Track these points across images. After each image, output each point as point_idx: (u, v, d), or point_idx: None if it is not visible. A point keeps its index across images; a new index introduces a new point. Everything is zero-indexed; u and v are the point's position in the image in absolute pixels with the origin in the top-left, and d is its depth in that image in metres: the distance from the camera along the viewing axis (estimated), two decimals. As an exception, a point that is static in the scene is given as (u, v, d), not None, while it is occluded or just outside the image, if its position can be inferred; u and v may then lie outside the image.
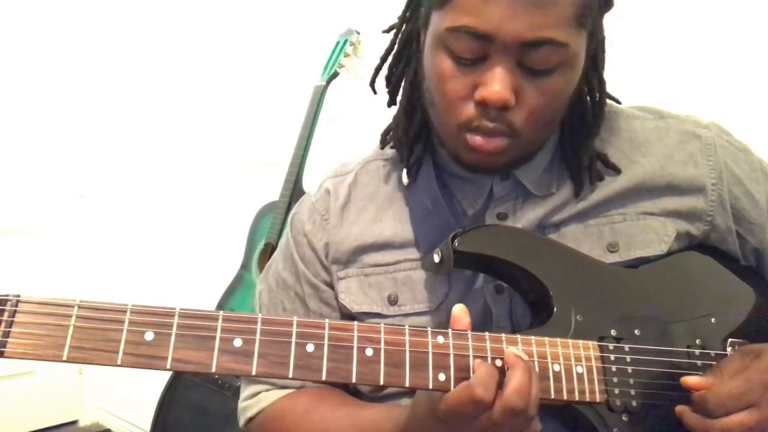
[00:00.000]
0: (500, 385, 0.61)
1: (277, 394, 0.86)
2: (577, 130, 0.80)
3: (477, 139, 0.71)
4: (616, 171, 0.80)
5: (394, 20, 0.87)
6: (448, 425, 0.62)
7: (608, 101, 0.84)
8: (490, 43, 0.66)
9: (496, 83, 0.66)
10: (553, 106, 0.72)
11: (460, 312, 0.67)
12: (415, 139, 0.84)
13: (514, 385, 0.60)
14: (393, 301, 0.82)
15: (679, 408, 0.69)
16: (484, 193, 0.81)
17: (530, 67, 0.67)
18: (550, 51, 0.66)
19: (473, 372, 0.62)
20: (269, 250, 1.90)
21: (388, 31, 0.89)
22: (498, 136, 0.71)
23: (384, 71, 0.89)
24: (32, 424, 2.93)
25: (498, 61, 0.67)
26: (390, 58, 0.87)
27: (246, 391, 0.90)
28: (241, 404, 0.90)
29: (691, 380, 0.70)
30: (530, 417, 0.61)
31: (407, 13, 0.84)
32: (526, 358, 0.63)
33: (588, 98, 0.80)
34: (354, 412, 0.79)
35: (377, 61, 0.90)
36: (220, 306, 1.97)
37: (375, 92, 0.93)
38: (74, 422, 3.15)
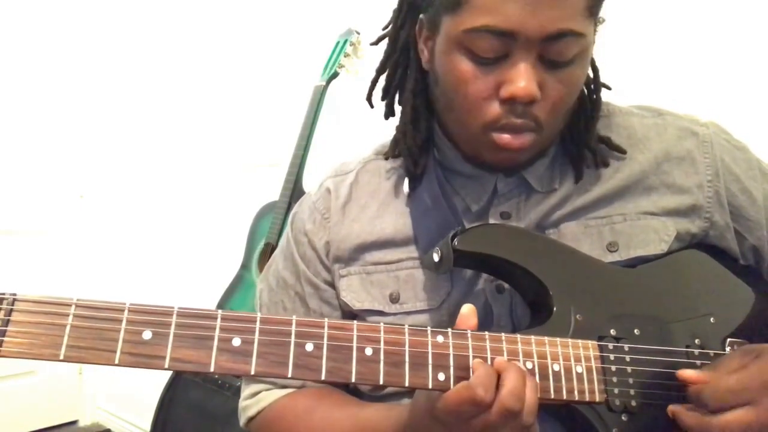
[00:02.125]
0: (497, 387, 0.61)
1: (278, 393, 0.86)
2: (576, 120, 0.81)
3: (505, 137, 0.71)
4: (622, 152, 0.81)
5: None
6: (446, 425, 0.62)
7: (605, 100, 0.85)
8: (513, 40, 0.66)
9: (522, 79, 0.67)
10: (572, 96, 0.73)
11: (469, 312, 0.67)
12: (423, 146, 0.84)
13: (509, 386, 0.60)
14: (395, 299, 0.82)
15: (672, 408, 0.68)
16: (488, 190, 0.81)
17: (551, 60, 0.68)
18: (569, 42, 0.67)
19: (473, 372, 0.62)
20: (269, 250, 1.90)
21: (376, 43, 0.89)
22: (525, 132, 0.71)
23: (380, 83, 0.89)
24: (32, 424, 2.92)
25: (521, 57, 0.67)
26: (386, 69, 0.87)
27: (246, 390, 0.90)
28: (241, 404, 0.90)
29: (687, 374, 0.69)
30: (526, 424, 0.61)
31: (399, 22, 0.84)
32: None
33: (584, 87, 0.81)
34: (354, 411, 0.79)
35: (377, 62, 0.89)
36: (220, 306, 1.97)
37: (372, 106, 0.93)
38: (74, 422, 3.14)
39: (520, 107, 0.69)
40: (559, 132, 0.80)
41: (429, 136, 0.85)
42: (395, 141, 0.88)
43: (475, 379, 0.60)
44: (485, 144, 0.74)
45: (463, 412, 0.60)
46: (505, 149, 0.72)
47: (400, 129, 0.86)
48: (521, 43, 0.66)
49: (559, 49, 0.67)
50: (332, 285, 0.88)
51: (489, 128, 0.72)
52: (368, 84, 0.92)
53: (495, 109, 0.70)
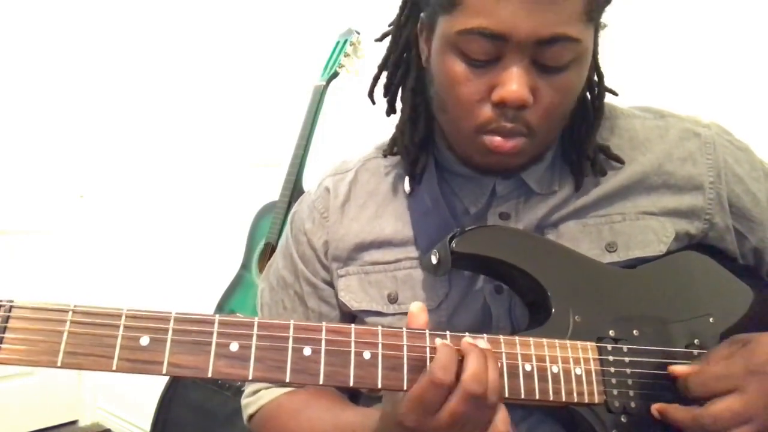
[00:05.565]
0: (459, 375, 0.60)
1: (277, 392, 0.87)
2: (578, 126, 0.80)
3: (496, 140, 0.70)
4: (620, 162, 0.80)
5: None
6: (411, 426, 0.61)
7: (607, 102, 0.84)
8: (505, 42, 0.65)
9: (514, 83, 0.66)
10: (567, 103, 0.72)
11: (417, 310, 0.65)
12: (420, 146, 0.84)
13: (470, 370, 0.59)
14: (393, 299, 0.81)
15: (658, 406, 0.69)
16: (487, 191, 0.81)
17: (544, 64, 0.67)
18: (563, 47, 0.66)
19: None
20: (269, 250, 1.90)
21: (381, 39, 0.89)
22: (516, 137, 0.70)
23: (382, 79, 0.88)
24: (32, 424, 2.93)
25: (513, 61, 0.66)
26: (387, 66, 0.87)
27: (248, 387, 0.91)
28: (243, 401, 0.91)
29: (679, 369, 0.69)
30: (491, 404, 0.60)
31: (402, 20, 0.84)
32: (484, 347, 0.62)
33: (587, 92, 0.80)
34: (337, 414, 0.80)
35: (377, 62, 0.89)
36: (220, 306, 1.97)
37: (374, 102, 0.92)
38: (74, 422, 3.15)
39: (511, 111, 0.68)
40: (556, 137, 0.79)
41: (428, 135, 0.84)
42: (393, 139, 0.88)
43: (433, 363, 0.60)
44: (476, 146, 0.73)
45: (425, 403, 0.59)
46: (495, 152, 0.71)
47: (399, 127, 0.86)
48: (513, 47, 0.65)
49: (553, 54, 0.66)
50: (331, 284, 0.88)
51: (480, 131, 0.71)
52: (368, 84, 0.92)
53: (486, 112, 0.69)
